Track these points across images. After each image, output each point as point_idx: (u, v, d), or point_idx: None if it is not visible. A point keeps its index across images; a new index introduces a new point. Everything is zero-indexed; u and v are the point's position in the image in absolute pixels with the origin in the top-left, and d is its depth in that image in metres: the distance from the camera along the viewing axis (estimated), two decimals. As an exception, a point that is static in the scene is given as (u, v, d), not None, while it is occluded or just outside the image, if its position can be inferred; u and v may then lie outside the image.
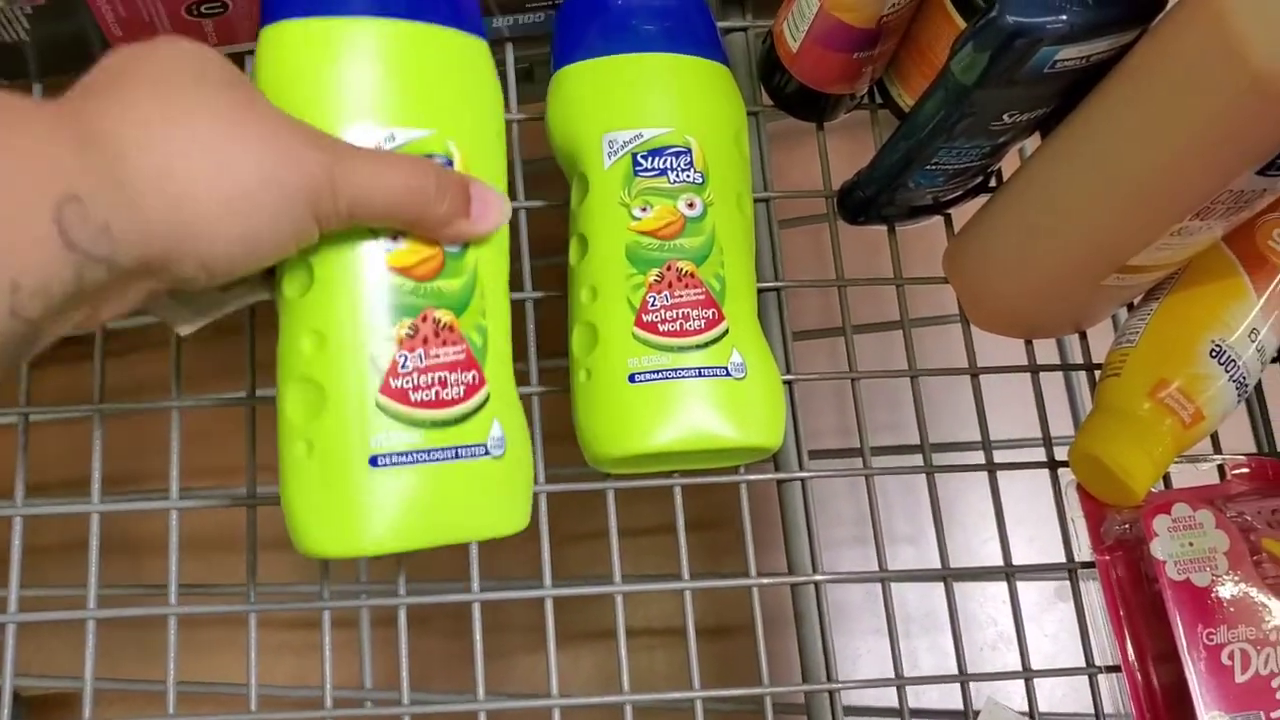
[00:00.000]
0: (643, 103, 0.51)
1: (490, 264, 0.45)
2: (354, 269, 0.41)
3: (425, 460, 0.41)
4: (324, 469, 0.41)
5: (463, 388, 0.43)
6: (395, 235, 0.42)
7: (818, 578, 0.53)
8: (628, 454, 0.48)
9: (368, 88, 0.42)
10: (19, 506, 0.50)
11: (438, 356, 0.42)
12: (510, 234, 0.48)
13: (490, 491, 0.44)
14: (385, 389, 0.41)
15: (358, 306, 0.41)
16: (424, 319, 0.42)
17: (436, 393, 0.42)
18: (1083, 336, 0.58)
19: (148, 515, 0.52)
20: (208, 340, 0.63)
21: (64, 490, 0.86)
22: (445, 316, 0.43)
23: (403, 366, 0.41)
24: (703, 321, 0.49)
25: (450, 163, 0.43)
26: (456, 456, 0.42)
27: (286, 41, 0.43)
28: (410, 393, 0.41)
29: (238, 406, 0.51)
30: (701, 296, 0.49)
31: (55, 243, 0.32)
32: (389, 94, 0.42)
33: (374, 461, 0.41)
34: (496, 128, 0.47)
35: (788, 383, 0.54)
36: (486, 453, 0.43)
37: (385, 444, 0.41)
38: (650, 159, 0.50)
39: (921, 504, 0.54)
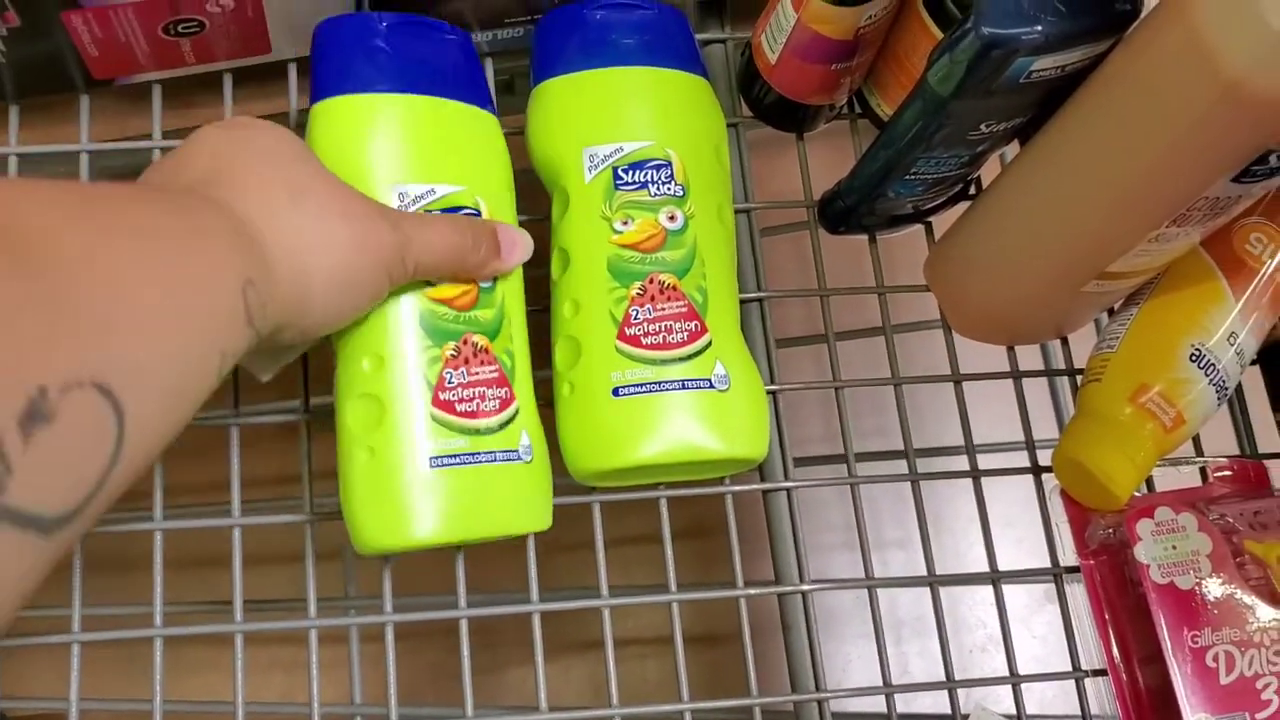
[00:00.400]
0: (623, 116, 0.51)
1: (514, 295, 0.49)
2: (404, 302, 0.47)
3: (472, 462, 0.46)
4: (386, 471, 0.46)
5: (498, 401, 0.47)
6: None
7: (804, 587, 0.53)
8: (612, 467, 0.48)
9: (412, 152, 0.48)
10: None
11: (477, 374, 0.47)
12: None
13: (521, 492, 0.48)
14: (436, 401, 0.46)
15: (410, 332, 0.46)
16: (465, 342, 0.47)
17: (477, 405, 0.47)
18: (1064, 342, 0.59)
19: (136, 532, 0.52)
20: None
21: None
22: (481, 340, 0.48)
23: (449, 382, 0.46)
24: (685, 334, 0.49)
25: (479, 213, 0.49)
26: (495, 460, 0.47)
27: (342, 114, 0.49)
28: (456, 404, 0.46)
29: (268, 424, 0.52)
30: (684, 309, 0.49)
31: (241, 319, 0.37)
32: (429, 157, 0.49)
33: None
34: (508, 182, 0.51)
35: (771, 393, 0.54)
36: (519, 458, 0.47)
37: (441, 448, 0.46)
38: (631, 172, 0.50)
39: (910, 508, 0.54)
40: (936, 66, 0.45)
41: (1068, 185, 0.47)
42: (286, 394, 0.54)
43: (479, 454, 0.46)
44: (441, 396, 0.46)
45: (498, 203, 0.50)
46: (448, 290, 0.47)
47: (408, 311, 0.46)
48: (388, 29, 0.50)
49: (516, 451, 0.47)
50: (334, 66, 0.49)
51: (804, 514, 0.54)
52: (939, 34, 0.49)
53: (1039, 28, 0.43)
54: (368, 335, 0.47)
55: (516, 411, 0.48)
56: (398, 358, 0.46)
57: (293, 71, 0.55)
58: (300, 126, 0.55)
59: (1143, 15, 0.44)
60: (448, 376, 0.46)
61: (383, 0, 0.52)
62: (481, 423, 0.47)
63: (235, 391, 0.52)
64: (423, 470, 0.45)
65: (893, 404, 0.56)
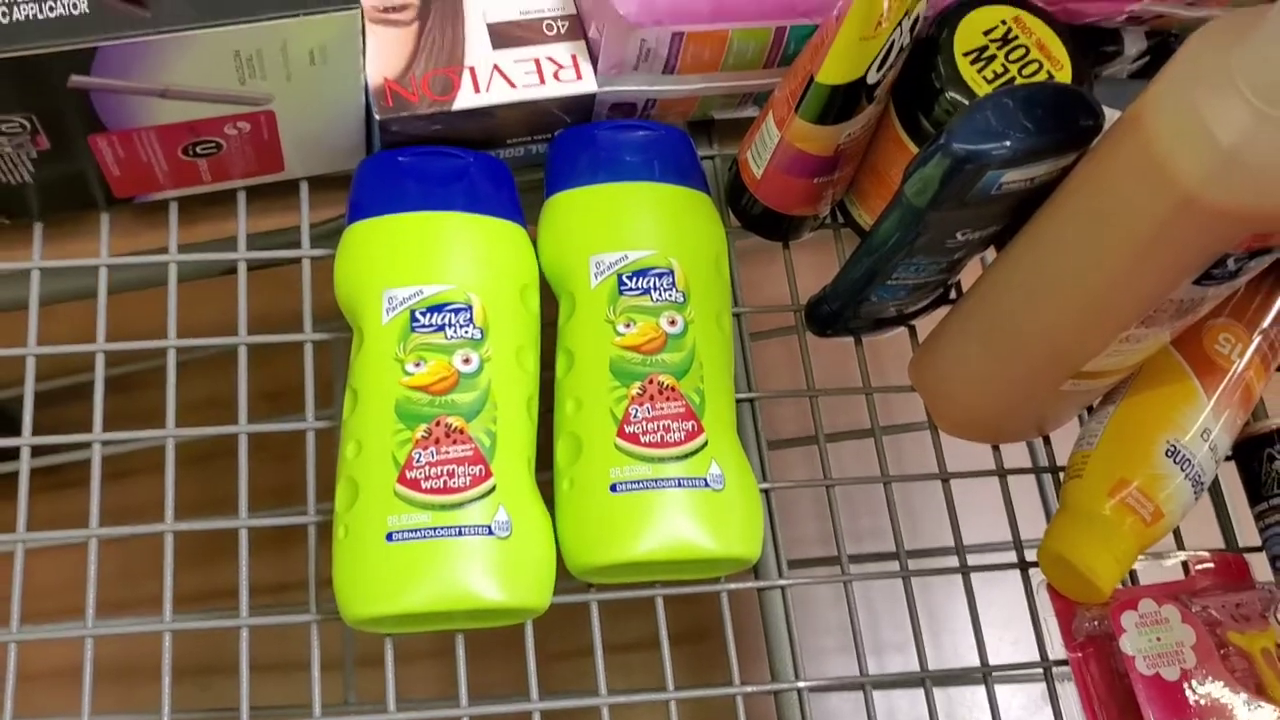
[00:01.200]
0: (628, 227, 0.54)
1: (506, 383, 0.51)
2: (384, 390, 0.50)
3: (433, 536, 0.48)
4: (355, 546, 0.49)
5: (469, 479, 0.49)
6: (418, 361, 0.50)
7: (800, 685, 0.54)
8: (609, 563, 0.50)
9: (401, 260, 0.52)
10: (89, 628, 0.51)
11: (447, 453, 0.49)
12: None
13: (496, 566, 0.48)
14: (401, 479, 0.48)
15: (385, 417, 0.49)
16: (437, 424, 0.49)
17: (445, 482, 0.48)
18: (1047, 440, 0.60)
19: (140, 640, 0.53)
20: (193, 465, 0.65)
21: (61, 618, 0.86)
22: (456, 422, 0.49)
23: (417, 461, 0.48)
24: (683, 434, 0.51)
25: (470, 309, 0.51)
26: (461, 534, 0.48)
27: (351, 238, 0.54)
28: (422, 481, 0.48)
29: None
30: (682, 409, 0.51)
31: None
32: (419, 263, 0.52)
33: (390, 537, 0.48)
34: (519, 281, 0.53)
35: (765, 492, 0.56)
36: (491, 532, 0.48)
37: (400, 524, 0.48)
38: (635, 279, 0.52)
39: (908, 612, 0.56)
40: (912, 180, 0.48)
41: (1040, 290, 0.49)
42: (287, 500, 0.56)
43: (440, 528, 0.48)
44: (408, 475, 0.48)
45: (496, 300, 0.52)
46: (424, 377, 0.50)
47: (385, 399, 0.50)
48: (403, 161, 0.53)
49: (489, 526, 0.48)
50: (352, 198, 0.54)
51: (800, 617, 0.56)
52: (915, 149, 0.52)
53: (1007, 143, 0.45)
54: (356, 422, 0.50)
55: (493, 488, 0.49)
56: (373, 442, 0.49)
57: (304, 189, 0.58)
58: (312, 241, 0.57)
59: (1104, 131, 0.47)
60: (416, 456, 0.48)
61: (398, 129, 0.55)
62: (449, 498, 0.48)
63: (243, 497, 0.54)
64: (381, 544, 0.48)
65: (886, 504, 0.57)
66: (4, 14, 0.46)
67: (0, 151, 0.50)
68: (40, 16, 0.46)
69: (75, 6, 0.46)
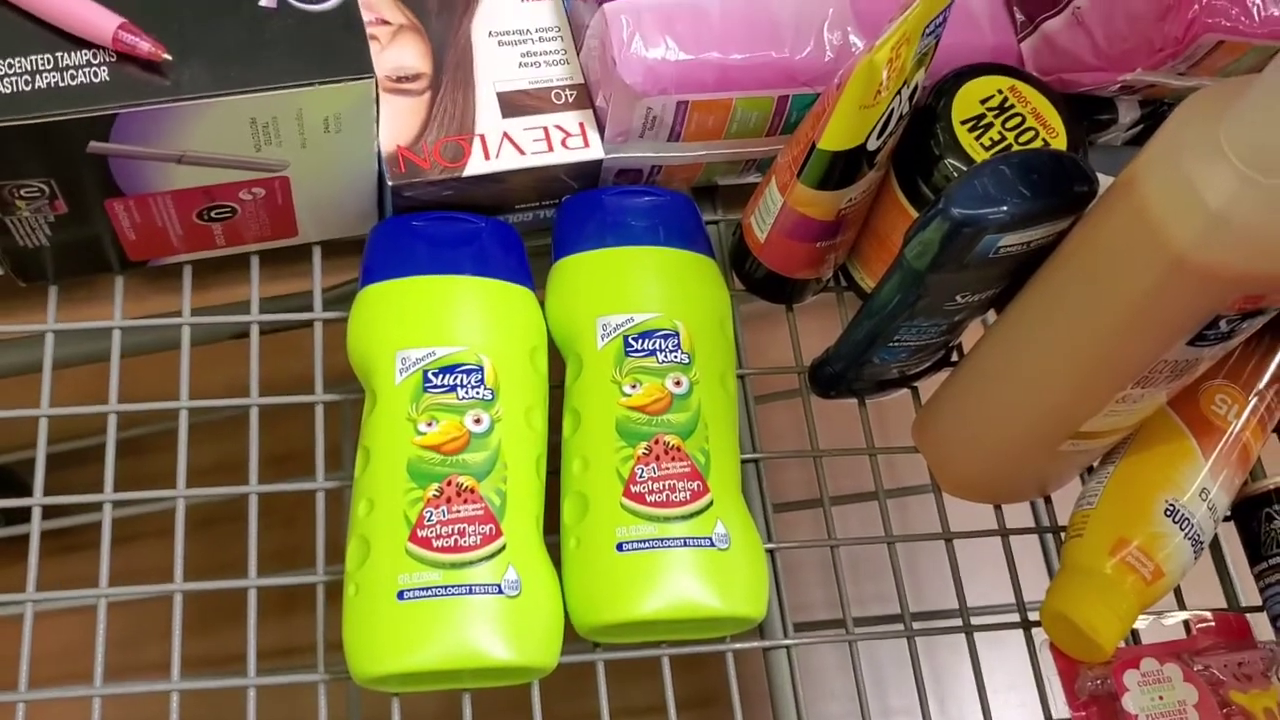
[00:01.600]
0: (634, 290, 0.55)
1: (516, 443, 0.52)
2: (396, 449, 0.51)
3: (443, 594, 0.48)
4: (365, 604, 0.49)
5: (479, 537, 0.49)
6: (430, 421, 0.50)
7: (805, 744, 0.54)
8: (615, 621, 0.50)
9: (416, 321, 0.53)
10: (97, 689, 0.51)
11: (459, 512, 0.49)
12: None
13: (505, 625, 0.48)
14: (413, 537, 0.49)
15: (397, 476, 0.50)
16: (449, 483, 0.50)
17: (455, 541, 0.49)
18: (1048, 500, 0.61)
19: (146, 704, 0.53)
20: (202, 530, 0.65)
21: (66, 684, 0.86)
22: (467, 481, 0.50)
23: (428, 520, 0.49)
24: (688, 493, 0.51)
25: (481, 370, 0.52)
26: (471, 593, 0.48)
27: (365, 300, 0.55)
28: (433, 540, 0.49)
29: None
30: (687, 469, 0.52)
31: None
32: (433, 324, 0.53)
33: (400, 595, 0.48)
34: (529, 344, 0.54)
35: (770, 552, 0.56)
36: (500, 591, 0.48)
37: (410, 581, 0.48)
38: (641, 340, 0.53)
39: (913, 674, 0.56)
40: (913, 243, 0.49)
41: (1039, 351, 0.50)
42: (292, 565, 0.56)
43: (451, 587, 0.48)
44: (420, 533, 0.49)
45: (507, 361, 0.53)
46: (436, 437, 0.50)
47: (398, 458, 0.50)
48: (416, 226, 0.55)
49: (499, 585, 0.48)
50: (366, 262, 0.55)
51: (805, 683, 0.56)
52: (915, 213, 0.54)
53: (1004, 208, 0.47)
54: (368, 481, 0.51)
55: (503, 547, 0.49)
56: (383, 499, 0.50)
57: (317, 254, 0.59)
58: (325, 305, 0.58)
59: (1099, 196, 0.48)
60: (427, 515, 0.49)
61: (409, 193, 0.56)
62: (459, 557, 0.48)
63: (252, 555, 0.54)
64: (392, 602, 0.48)
65: (890, 568, 0.58)
66: (27, 82, 0.47)
67: (19, 216, 0.52)
68: (62, 84, 0.47)
69: (96, 75, 0.48)
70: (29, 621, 0.52)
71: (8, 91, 0.47)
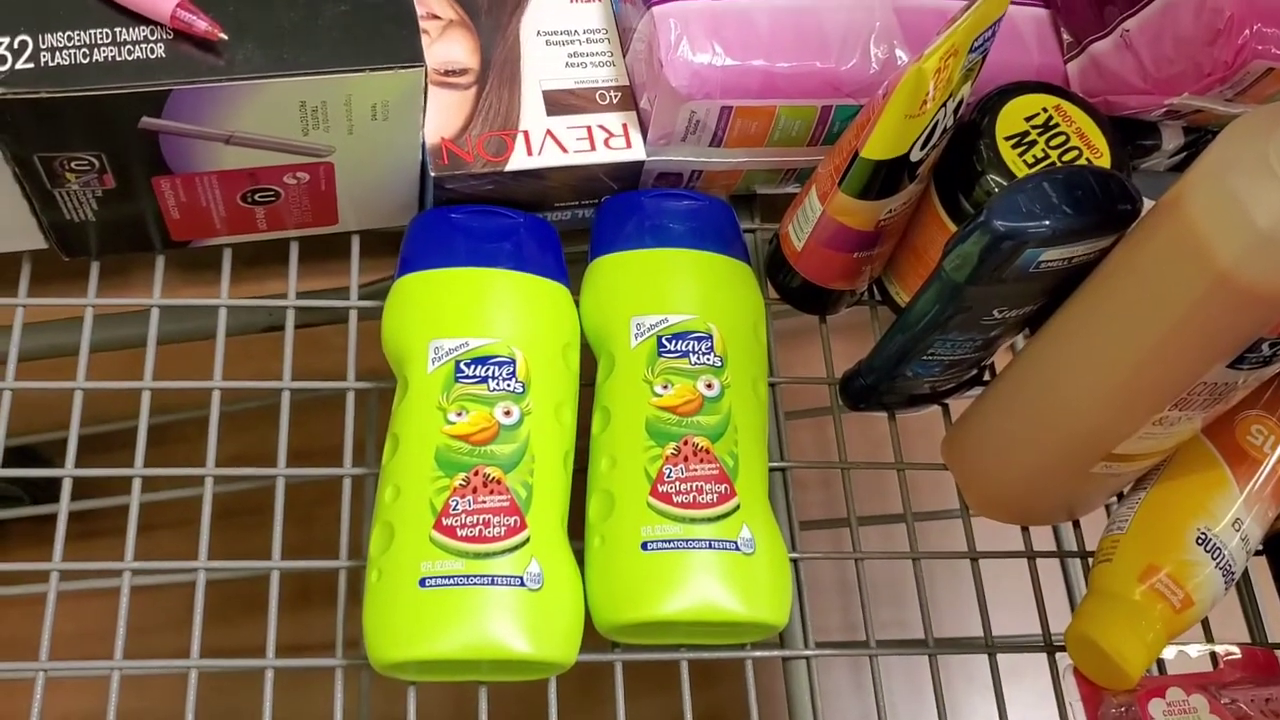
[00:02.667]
0: (669, 291, 0.55)
1: (544, 437, 0.52)
2: (425, 437, 0.51)
3: (466, 583, 0.48)
4: (387, 590, 0.49)
5: (504, 529, 0.49)
6: (460, 411, 0.50)
7: (821, 758, 0.54)
8: (637, 620, 0.50)
9: (451, 312, 0.53)
10: (116, 662, 0.51)
11: (484, 503, 0.49)
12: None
13: (525, 618, 0.48)
14: (437, 525, 0.49)
15: (425, 463, 0.50)
16: (476, 473, 0.50)
17: (480, 531, 0.49)
18: (1076, 524, 0.60)
19: (162, 694, 0.53)
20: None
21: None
22: (494, 472, 0.50)
23: (453, 509, 0.49)
24: (715, 495, 0.51)
25: (514, 362, 0.52)
26: (493, 583, 0.48)
27: (401, 289, 0.55)
28: (457, 529, 0.49)
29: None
30: (715, 472, 0.51)
31: None
32: (467, 316, 0.53)
33: (422, 583, 0.48)
34: (562, 340, 0.55)
35: (794, 561, 0.56)
36: (522, 584, 0.48)
37: (433, 569, 0.48)
38: (674, 342, 0.53)
39: (927, 704, 0.55)
40: (952, 255, 0.49)
41: (1074, 368, 0.50)
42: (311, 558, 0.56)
43: (474, 576, 0.48)
44: (444, 522, 0.49)
45: (539, 356, 0.53)
46: (466, 428, 0.50)
47: (427, 446, 0.50)
48: (456, 219, 0.55)
49: (521, 578, 0.48)
50: (404, 252, 0.55)
51: (822, 707, 0.55)
52: (954, 227, 0.54)
53: (1047, 222, 0.47)
54: (395, 468, 0.51)
55: (527, 539, 0.49)
56: (410, 486, 0.50)
57: (355, 244, 0.60)
58: (363, 296, 0.59)
59: (1142, 215, 0.48)
60: (453, 504, 0.49)
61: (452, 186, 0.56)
62: (483, 547, 0.48)
63: (276, 539, 0.54)
64: (414, 589, 0.48)
65: (912, 595, 0.57)
66: (85, 55, 0.48)
67: (68, 189, 0.52)
68: (119, 59, 0.48)
69: (152, 51, 0.48)
70: (53, 593, 0.52)
71: (66, 63, 0.47)
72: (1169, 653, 0.55)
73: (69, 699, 0.62)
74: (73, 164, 0.51)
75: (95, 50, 0.48)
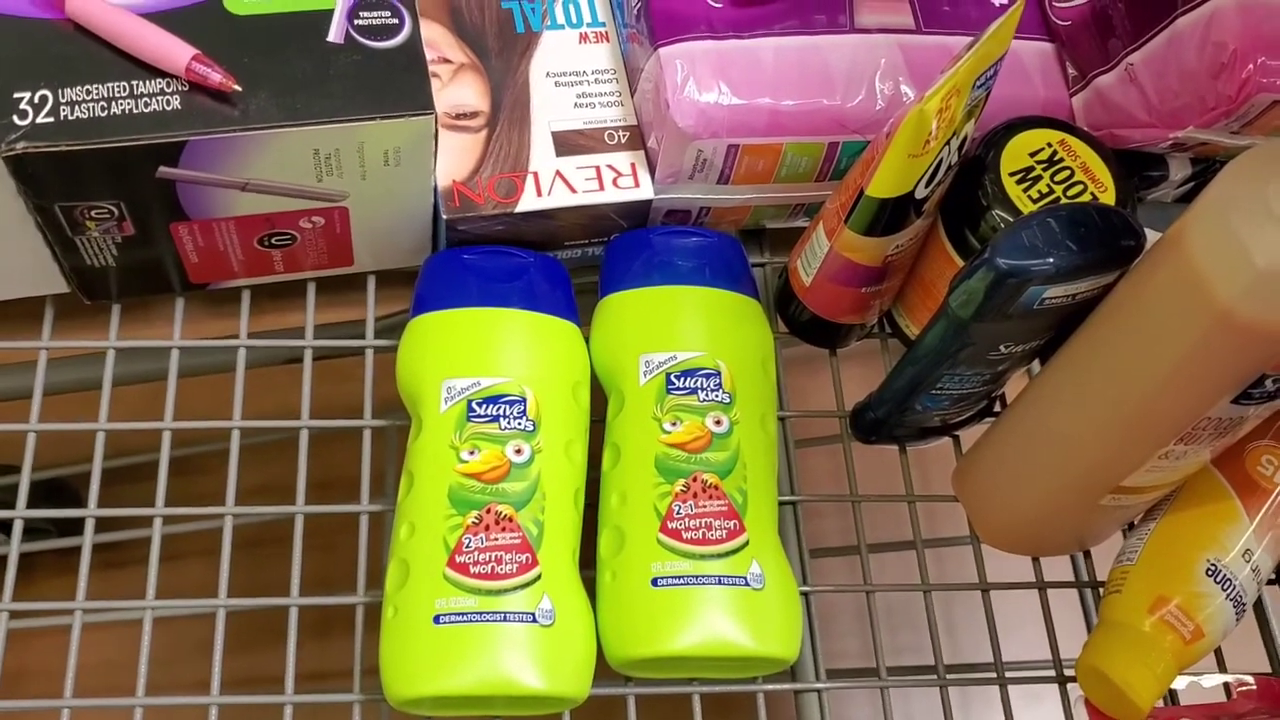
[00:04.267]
0: (678, 329, 0.56)
1: (555, 475, 0.52)
2: (439, 475, 0.51)
3: (479, 620, 0.49)
4: (402, 627, 0.50)
5: (516, 565, 0.50)
6: (472, 449, 0.51)
7: (834, 790, 0.54)
8: (648, 655, 0.50)
9: (462, 352, 0.54)
10: (139, 698, 0.52)
11: (496, 540, 0.50)
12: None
13: (537, 654, 0.49)
14: (451, 563, 0.50)
15: (438, 501, 0.51)
16: (488, 511, 0.51)
17: (492, 568, 0.50)
18: (1087, 555, 0.61)
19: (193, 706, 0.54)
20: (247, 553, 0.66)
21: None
22: (506, 510, 0.51)
23: (466, 547, 0.50)
24: (724, 532, 0.51)
25: (524, 401, 0.53)
26: (506, 620, 0.49)
27: (414, 330, 0.56)
28: (470, 566, 0.49)
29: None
30: (724, 508, 0.52)
31: None
32: (478, 356, 0.54)
33: (437, 619, 0.49)
34: (572, 378, 0.55)
35: (805, 595, 0.56)
36: (534, 620, 0.49)
37: (447, 606, 0.49)
38: (682, 379, 0.54)
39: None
40: (957, 292, 0.49)
41: (1080, 403, 0.50)
42: (331, 590, 0.57)
43: (486, 613, 0.49)
44: (458, 559, 0.49)
45: (549, 394, 0.53)
46: (478, 465, 0.51)
47: (440, 484, 0.51)
48: (468, 259, 0.56)
49: (533, 614, 0.49)
50: (417, 292, 0.56)
51: (832, 721, 0.56)
52: (961, 262, 0.54)
53: (1050, 260, 0.47)
54: (410, 505, 0.52)
55: (539, 576, 0.50)
56: (424, 524, 0.51)
57: (371, 283, 0.61)
58: (377, 334, 0.60)
59: (1146, 251, 0.48)
60: (466, 541, 0.50)
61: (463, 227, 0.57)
62: (495, 584, 0.49)
63: (295, 575, 0.55)
64: (429, 626, 0.49)
65: (926, 617, 0.58)
66: (103, 108, 0.49)
67: (88, 235, 0.53)
68: (136, 111, 0.49)
69: (169, 103, 0.49)
70: (77, 629, 0.54)
71: (85, 116, 0.49)
72: (1181, 683, 0.55)
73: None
74: (93, 212, 0.52)
75: (113, 103, 0.49)
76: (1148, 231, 0.49)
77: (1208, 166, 0.60)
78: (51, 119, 0.48)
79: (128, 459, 0.91)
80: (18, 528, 0.55)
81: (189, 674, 0.63)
